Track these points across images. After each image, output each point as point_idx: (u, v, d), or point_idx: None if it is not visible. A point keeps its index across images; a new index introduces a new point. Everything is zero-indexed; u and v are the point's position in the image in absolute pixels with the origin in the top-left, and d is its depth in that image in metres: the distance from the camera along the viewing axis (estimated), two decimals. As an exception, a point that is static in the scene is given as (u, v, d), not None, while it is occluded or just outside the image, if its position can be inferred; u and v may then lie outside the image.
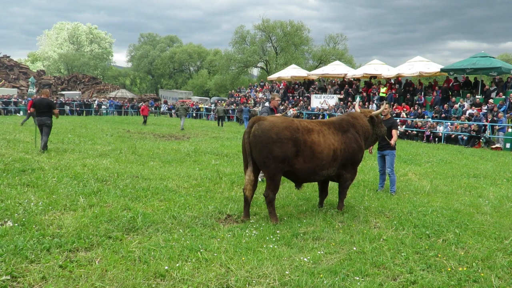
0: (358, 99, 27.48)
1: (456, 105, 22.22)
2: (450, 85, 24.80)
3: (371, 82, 30.14)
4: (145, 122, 26.70)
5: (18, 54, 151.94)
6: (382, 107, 7.91)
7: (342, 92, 30.06)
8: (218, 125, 28.06)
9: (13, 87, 47.00)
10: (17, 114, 32.79)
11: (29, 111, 19.53)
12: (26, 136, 15.30)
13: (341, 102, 28.80)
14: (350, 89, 29.69)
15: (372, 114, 6.98)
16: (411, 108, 24.47)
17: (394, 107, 24.30)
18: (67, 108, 35.83)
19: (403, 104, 25.18)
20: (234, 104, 36.57)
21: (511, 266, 4.53)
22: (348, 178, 6.54)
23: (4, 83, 47.85)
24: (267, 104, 8.74)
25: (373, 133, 7.00)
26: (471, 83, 24.70)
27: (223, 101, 40.91)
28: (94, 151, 12.07)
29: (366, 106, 26.52)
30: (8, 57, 53.92)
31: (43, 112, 11.42)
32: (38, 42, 74.04)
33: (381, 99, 26.25)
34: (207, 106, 39.28)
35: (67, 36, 70.82)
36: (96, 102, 40.74)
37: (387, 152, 8.23)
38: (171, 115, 40.87)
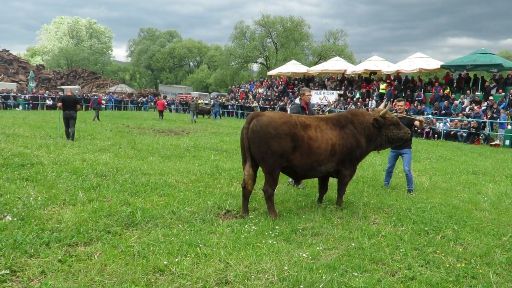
0: (358, 95, 27.44)
1: (456, 102, 22.21)
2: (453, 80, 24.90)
3: (371, 78, 30.10)
4: (161, 116, 28.35)
5: (17, 48, 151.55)
6: (386, 108, 6.95)
7: (342, 88, 30.02)
8: (193, 121, 29.77)
9: (12, 81, 46.88)
10: (16, 108, 32.72)
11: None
12: (26, 130, 15.29)
13: (341, 98, 28.78)
14: (350, 87, 29.66)
15: (376, 116, 6.54)
16: (411, 105, 24.46)
17: (394, 103, 24.26)
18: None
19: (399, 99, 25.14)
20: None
21: (509, 262, 4.54)
22: (347, 174, 6.53)
23: (3, 77, 47.71)
24: (297, 101, 8.08)
25: (382, 134, 6.61)
26: (471, 80, 24.69)
27: (221, 96, 40.91)
28: (93, 146, 12.06)
29: (365, 102, 26.53)
30: (7, 51, 53.74)
31: (71, 106, 13.31)
32: (38, 36, 73.83)
33: (381, 95, 26.24)
34: (206, 102, 39.27)
35: (67, 30, 70.58)
36: (95, 97, 40.61)
37: (405, 150, 8.07)
38: (170, 110, 40.86)
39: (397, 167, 8.89)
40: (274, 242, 4.83)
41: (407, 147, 8.11)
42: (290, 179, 8.15)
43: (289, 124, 5.73)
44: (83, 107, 36.52)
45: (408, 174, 8.11)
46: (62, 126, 13.91)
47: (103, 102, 29.84)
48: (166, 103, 42.68)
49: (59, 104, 13.74)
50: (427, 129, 21.44)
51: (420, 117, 7.72)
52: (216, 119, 30.33)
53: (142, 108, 40.75)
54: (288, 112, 8.12)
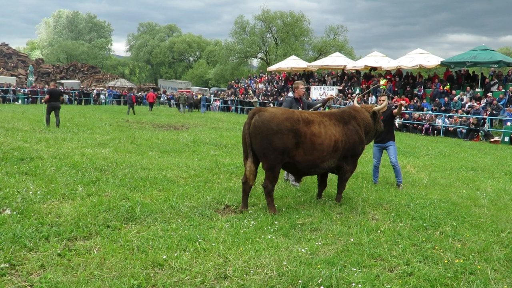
0: (357, 91, 27.42)
1: (456, 98, 22.18)
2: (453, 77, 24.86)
3: (371, 74, 30.04)
4: (150, 107, 31.39)
5: (17, 42, 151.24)
6: (384, 103, 7.77)
7: (343, 84, 29.92)
8: (179, 110, 32.02)
9: (12, 75, 46.74)
10: (16, 102, 32.65)
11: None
12: (25, 124, 15.27)
13: (341, 94, 28.73)
14: (350, 83, 29.62)
15: (375, 109, 6.93)
16: (411, 101, 24.43)
17: (394, 99, 24.27)
18: (66, 97, 35.65)
19: (402, 96, 25.12)
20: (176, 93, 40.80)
21: (507, 258, 4.56)
22: (348, 170, 6.54)
23: (3, 71, 47.58)
24: (290, 94, 8.01)
25: (374, 128, 6.94)
26: (470, 76, 24.65)
27: (220, 91, 40.91)
28: (92, 141, 12.05)
29: (365, 98, 26.50)
30: (7, 45, 53.56)
31: (57, 98, 15.08)
32: (37, 30, 73.54)
33: (379, 91, 26.21)
34: (206, 97, 39.20)
35: (66, 24, 70.31)
36: (95, 91, 40.59)
37: (389, 143, 8.14)
38: (170, 105, 40.80)
39: (386, 162, 8.90)
40: (273, 237, 4.84)
41: (391, 140, 8.16)
42: (285, 175, 8.14)
43: (291, 120, 5.71)
44: (82, 101, 36.76)
45: (396, 166, 8.16)
46: (44, 114, 15.48)
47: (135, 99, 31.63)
48: (166, 96, 42.88)
49: (47, 96, 15.03)
50: (426, 125, 21.43)
51: (401, 102, 7.76)
52: (202, 111, 32.92)
53: (142, 102, 40.66)
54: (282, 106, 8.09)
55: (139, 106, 38.25)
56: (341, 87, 29.54)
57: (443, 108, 22.17)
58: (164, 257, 4.09)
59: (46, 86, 40.66)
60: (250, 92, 35.94)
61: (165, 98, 42.82)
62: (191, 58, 76.16)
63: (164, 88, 53.26)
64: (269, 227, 5.16)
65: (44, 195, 5.89)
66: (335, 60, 32.60)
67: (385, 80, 27.34)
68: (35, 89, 35.97)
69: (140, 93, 43.71)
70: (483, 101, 21.14)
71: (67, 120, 18.24)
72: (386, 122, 8.04)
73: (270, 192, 5.85)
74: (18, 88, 35.71)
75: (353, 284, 3.76)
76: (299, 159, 5.83)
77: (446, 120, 21.23)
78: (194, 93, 38.92)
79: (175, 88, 53.35)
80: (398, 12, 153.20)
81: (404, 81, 27.10)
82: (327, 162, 6.12)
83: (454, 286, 3.88)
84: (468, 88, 23.21)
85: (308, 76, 34.08)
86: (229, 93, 37.81)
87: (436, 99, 23.05)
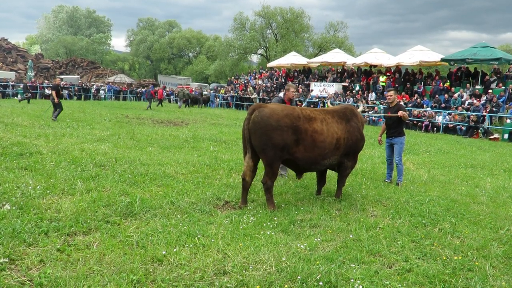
0: (357, 88, 27.38)
1: (455, 95, 22.16)
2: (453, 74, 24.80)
3: (371, 70, 29.98)
4: (160, 103, 31.87)
5: (17, 37, 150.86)
6: (360, 107, 7.93)
7: (346, 80, 29.84)
8: (179, 107, 32.01)
9: (11, 70, 46.60)
10: (15, 97, 32.57)
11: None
12: (24, 120, 15.24)
13: (341, 91, 28.69)
14: (348, 80, 29.57)
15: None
16: (411, 98, 24.39)
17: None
18: (65, 92, 35.57)
19: (402, 93, 25.08)
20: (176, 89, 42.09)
21: (506, 255, 4.57)
22: (348, 166, 6.57)
23: (2, 66, 47.43)
24: (280, 94, 8.02)
25: None
26: (471, 73, 24.60)
27: (220, 88, 40.88)
28: (92, 136, 12.04)
29: (365, 95, 26.48)
30: (6, 39, 53.34)
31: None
32: (37, 25, 73.31)
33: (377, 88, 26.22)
34: (206, 93, 39.18)
35: (66, 19, 70.07)
36: (94, 86, 40.50)
37: (396, 140, 8.12)
38: (169, 101, 40.74)
39: (395, 160, 8.90)
40: (272, 233, 4.85)
41: (398, 136, 8.12)
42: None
43: (291, 117, 5.70)
44: (82, 97, 36.70)
45: (398, 165, 8.12)
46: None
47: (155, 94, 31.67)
48: (166, 92, 42.87)
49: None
50: (426, 122, 21.41)
51: (403, 113, 7.79)
52: (211, 107, 34.96)
53: (142, 98, 40.59)
54: None
55: (139, 102, 38.25)
56: (346, 83, 29.38)
57: (443, 105, 22.16)
58: (164, 252, 4.10)
59: (46, 81, 40.57)
60: (250, 88, 35.89)
61: (165, 94, 42.72)
62: (190, 54, 75.94)
63: (164, 84, 53.12)
64: (268, 223, 5.16)
65: (44, 190, 5.89)
66: (335, 56, 32.54)
67: (384, 77, 27.30)
68: (34, 84, 35.87)
69: (140, 89, 43.61)
70: (483, 98, 21.11)
71: (66, 115, 18.21)
72: (394, 118, 8.04)
73: (269, 188, 5.85)
74: (18, 83, 35.58)
75: (352, 280, 3.77)
76: (300, 155, 5.83)
77: (447, 117, 21.17)
78: (200, 90, 38.84)
79: (175, 84, 53.25)
80: (398, 9, 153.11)
81: (404, 78, 27.04)
82: (329, 159, 6.13)
83: (453, 283, 3.89)
84: (468, 85, 23.18)
85: (307, 73, 34.03)
86: (229, 89, 37.75)
87: (436, 96, 23.02)
